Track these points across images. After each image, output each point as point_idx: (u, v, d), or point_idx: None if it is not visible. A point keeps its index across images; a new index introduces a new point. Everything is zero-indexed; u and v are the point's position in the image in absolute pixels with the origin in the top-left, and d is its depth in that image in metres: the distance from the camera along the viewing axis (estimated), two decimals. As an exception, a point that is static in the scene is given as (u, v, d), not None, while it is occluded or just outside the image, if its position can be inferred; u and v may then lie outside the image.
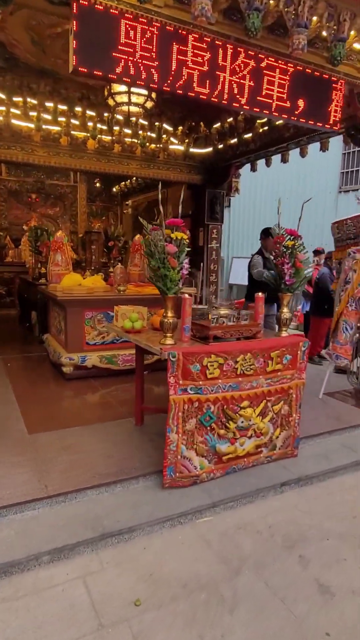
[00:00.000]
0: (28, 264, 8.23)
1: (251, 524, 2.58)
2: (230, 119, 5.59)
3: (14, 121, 5.35)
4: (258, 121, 5.39)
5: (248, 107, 3.16)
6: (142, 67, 2.76)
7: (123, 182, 9.84)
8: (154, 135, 6.01)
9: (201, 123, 6.07)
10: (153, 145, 6.37)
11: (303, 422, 3.40)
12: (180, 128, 6.15)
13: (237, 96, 3.07)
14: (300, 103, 3.32)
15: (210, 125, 5.97)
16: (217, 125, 5.87)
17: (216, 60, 2.96)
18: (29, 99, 5.14)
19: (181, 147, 6.46)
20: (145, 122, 5.88)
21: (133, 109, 4.52)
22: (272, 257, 3.15)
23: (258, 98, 3.16)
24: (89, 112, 5.54)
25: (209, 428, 2.82)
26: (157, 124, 5.93)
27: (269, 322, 5.19)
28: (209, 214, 6.96)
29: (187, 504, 2.64)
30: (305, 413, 3.59)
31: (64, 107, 5.36)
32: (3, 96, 5.00)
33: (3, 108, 5.18)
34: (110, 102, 4.48)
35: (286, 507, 2.79)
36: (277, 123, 5.17)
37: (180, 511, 2.58)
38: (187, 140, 6.33)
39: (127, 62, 2.71)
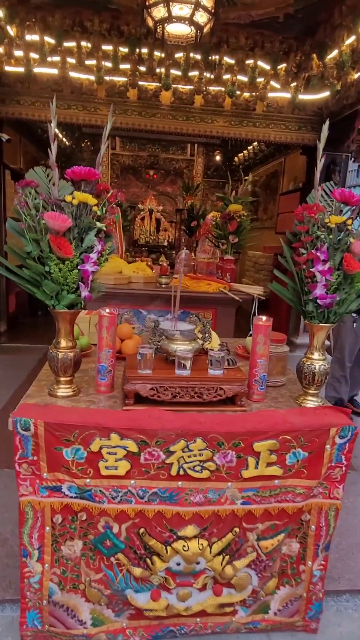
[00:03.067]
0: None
1: None
2: (351, 39, 3.73)
3: (72, 74, 4.52)
4: (391, 34, 3.45)
5: None
6: None
7: (241, 154, 8.39)
8: (245, 79, 4.51)
9: (313, 55, 4.31)
10: (246, 94, 4.85)
11: (345, 556, 1.79)
12: (283, 66, 4.50)
13: None
14: None
15: (324, 56, 4.16)
16: (334, 54, 4.04)
17: None
18: (82, 43, 4.23)
19: (287, 94, 4.76)
20: (232, 61, 4.43)
21: (178, 29, 3.20)
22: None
23: None
24: (157, 54, 4.37)
25: (113, 560, 1.53)
26: (249, 62, 4.42)
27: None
28: (322, 187, 5.12)
29: None
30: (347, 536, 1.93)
31: (126, 50, 4.31)
32: (53, 41, 4.18)
33: (58, 58, 4.37)
34: (149, 21, 3.24)
35: None
36: None
37: None
38: (294, 84, 4.62)
39: None
